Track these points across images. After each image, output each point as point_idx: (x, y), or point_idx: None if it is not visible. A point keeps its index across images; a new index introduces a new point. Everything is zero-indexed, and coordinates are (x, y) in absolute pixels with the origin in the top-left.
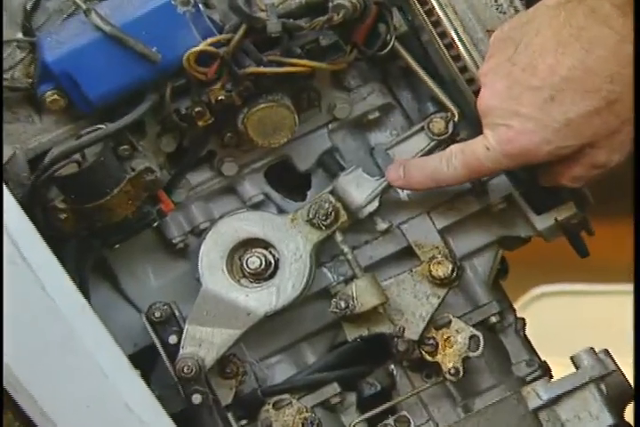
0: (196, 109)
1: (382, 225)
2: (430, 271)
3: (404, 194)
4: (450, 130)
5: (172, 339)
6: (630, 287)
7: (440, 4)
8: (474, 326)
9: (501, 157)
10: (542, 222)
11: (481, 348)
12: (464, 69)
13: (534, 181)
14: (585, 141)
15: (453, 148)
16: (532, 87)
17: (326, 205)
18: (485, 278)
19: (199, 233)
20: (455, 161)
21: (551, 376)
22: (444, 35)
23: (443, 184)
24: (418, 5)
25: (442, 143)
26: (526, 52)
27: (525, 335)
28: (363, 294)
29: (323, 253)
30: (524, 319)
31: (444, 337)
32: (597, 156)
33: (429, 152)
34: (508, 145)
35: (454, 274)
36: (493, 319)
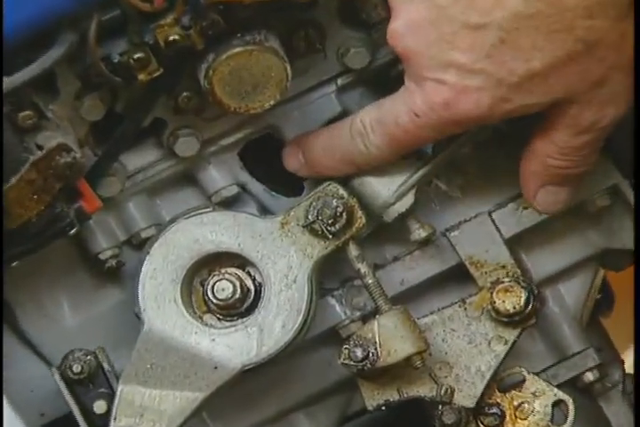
0: (136, 56)
1: (420, 232)
2: (493, 303)
3: (452, 185)
4: None
5: (99, 406)
6: None
7: None
8: (559, 386)
9: (439, 125)
10: None
11: (570, 420)
12: None
13: None
14: (559, 96)
15: (364, 116)
16: (470, 25)
17: (334, 202)
18: (578, 314)
19: (139, 245)
20: (374, 137)
21: None
22: None
23: (366, 167)
24: None
25: None
26: None
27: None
28: (390, 339)
29: (329, 276)
30: None
31: (515, 404)
32: (581, 114)
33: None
34: (445, 111)
35: (530, 307)
36: (590, 377)
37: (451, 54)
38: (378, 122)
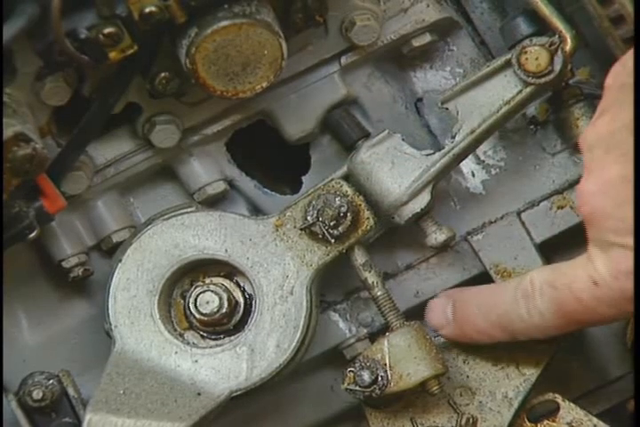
0: (107, 31)
1: (437, 236)
2: None
3: (475, 180)
4: (556, 67)
5: None
6: None
7: None
8: (600, 415)
9: (618, 298)
10: None
11: None
12: None
13: None
14: None
15: (535, 276)
16: None
17: (337, 201)
18: (622, 331)
19: (110, 250)
20: (541, 301)
21: None
22: None
23: (520, 337)
24: None
25: (542, 89)
26: None
27: None
28: (402, 360)
29: (331, 287)
30: None
31: None
32: None
33: (523, 105)
34: (630, 281)
35: None
36: None
37: None
38: (549, 284)
